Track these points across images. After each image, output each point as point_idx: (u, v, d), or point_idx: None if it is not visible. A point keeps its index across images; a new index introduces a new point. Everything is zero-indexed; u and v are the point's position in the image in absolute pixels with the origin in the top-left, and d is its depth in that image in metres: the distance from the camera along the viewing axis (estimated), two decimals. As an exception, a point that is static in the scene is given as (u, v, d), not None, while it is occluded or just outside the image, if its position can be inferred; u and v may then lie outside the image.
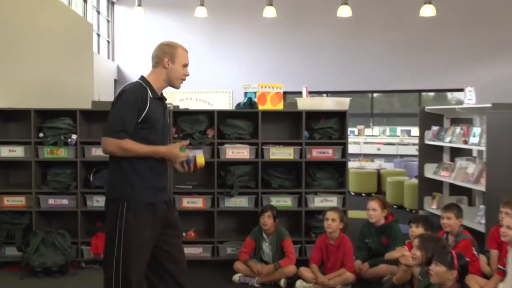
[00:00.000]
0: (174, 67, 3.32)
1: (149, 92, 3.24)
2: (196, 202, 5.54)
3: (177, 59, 3.31)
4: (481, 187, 6.31)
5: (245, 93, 5.75)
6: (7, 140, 5.54)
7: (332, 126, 5.60)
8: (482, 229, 6.08)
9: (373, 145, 13.81)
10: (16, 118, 5.68)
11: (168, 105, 5.91)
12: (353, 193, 10.26)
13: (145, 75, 3.35)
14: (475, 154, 7.71)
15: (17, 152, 5.47)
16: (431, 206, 7.63)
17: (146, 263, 3.24)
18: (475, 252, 4.52)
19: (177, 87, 3.43)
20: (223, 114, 5.68)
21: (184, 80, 3.42)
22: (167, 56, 3.30)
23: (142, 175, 3.21)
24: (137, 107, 3.15)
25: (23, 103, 5.92)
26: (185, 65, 3.37)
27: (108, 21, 15.47)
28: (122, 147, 3.14)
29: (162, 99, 3.38)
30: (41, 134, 5.44)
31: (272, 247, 5.11)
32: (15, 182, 5.78)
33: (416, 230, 4.63)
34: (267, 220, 5.07)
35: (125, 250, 3.14)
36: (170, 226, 3.36)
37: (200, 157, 3.39)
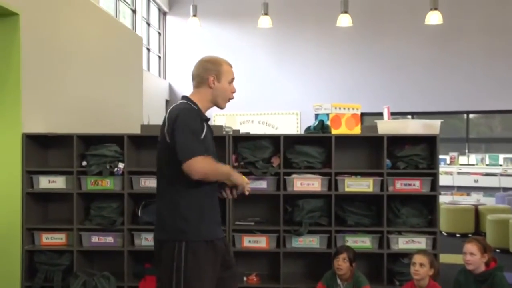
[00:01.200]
0: (220, 86, 3.40)
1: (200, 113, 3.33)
2: (259, 242, 5.54)
3: (223, 76, 3.40)
4: None
5: (316, 115, 5.76)
6: (46, 169, 5.67)
7: (419, 153, 5.52)
8: None
9: (469, 176, 13.60)
10: (57, 145, 5.85)
11: (227, 129, 6.00)
12: (445, 234, 10.11)
13: (188, 95, 3.43)
14: None
15: (58, 183, 5.59)
16: (543, 251, 7.36)
17: None
18: None
19: (222, 108, 3.51)
20: (290, 140, 5.69)
21: (232, 98, 3.50)
22: (212, 74, 3.38)
23: (199, 208, 3.23)
24: (199, 129, 3.23)
25: (64, 127, 6.07)
26: (232, 80, 3.46)
27: (159, 34, 15.93)
28: (212, 166, 3.18)
29: (208, 120, 3.45)
30: (84, 163, 5.55)
31: (348, 296, 5.04)
32: (54, 217, 5.92)
33: (526, 279, 4.47)
34: (342, 264, 5.00)
35: None
36: (226, 267, 3.37)
37: None
